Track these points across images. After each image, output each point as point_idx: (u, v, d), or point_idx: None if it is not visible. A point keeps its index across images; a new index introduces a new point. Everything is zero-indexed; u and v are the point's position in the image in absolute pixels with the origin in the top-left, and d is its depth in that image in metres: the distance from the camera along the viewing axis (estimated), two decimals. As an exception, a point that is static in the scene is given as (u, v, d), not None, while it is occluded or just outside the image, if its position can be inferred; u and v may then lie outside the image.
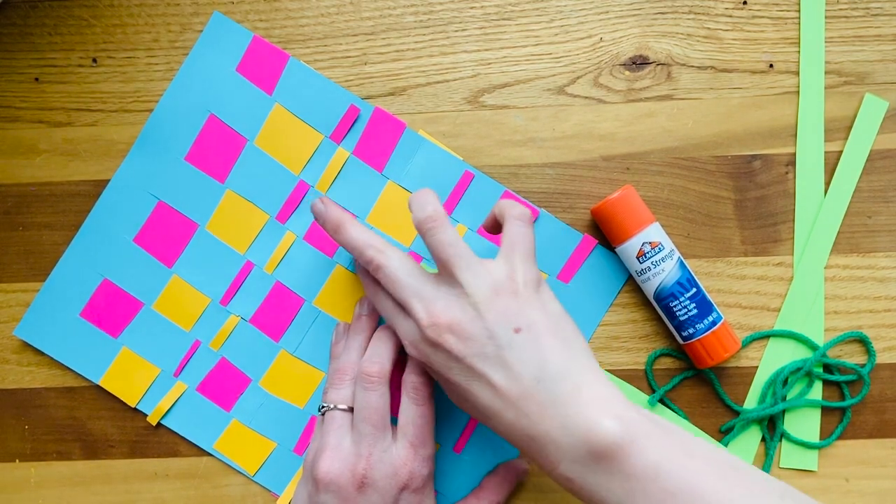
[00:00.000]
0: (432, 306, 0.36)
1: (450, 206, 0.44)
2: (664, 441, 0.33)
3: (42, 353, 0.45)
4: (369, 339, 0.41)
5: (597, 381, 0.34)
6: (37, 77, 0.45)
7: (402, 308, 0.38)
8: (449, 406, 0.44)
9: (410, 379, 0.39)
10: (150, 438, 0.45)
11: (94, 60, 0.45)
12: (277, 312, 0.44)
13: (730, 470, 0.33)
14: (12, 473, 0.45)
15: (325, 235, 0.44)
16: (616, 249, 0.43)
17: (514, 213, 0.38)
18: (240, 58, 0.44)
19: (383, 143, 0.44)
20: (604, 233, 0.43)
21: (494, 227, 0.40)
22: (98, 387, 0.45)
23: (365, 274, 0.41)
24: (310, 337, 0.44)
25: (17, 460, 0.45)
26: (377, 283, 0.39)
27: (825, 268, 0.44)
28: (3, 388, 0.45)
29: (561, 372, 0.34)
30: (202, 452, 0.44)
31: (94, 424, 0.45)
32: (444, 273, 0.36)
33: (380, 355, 0.39)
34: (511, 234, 0.37)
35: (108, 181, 0.45)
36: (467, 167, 0.44)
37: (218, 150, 0.44)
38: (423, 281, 0.37)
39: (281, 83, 0.44)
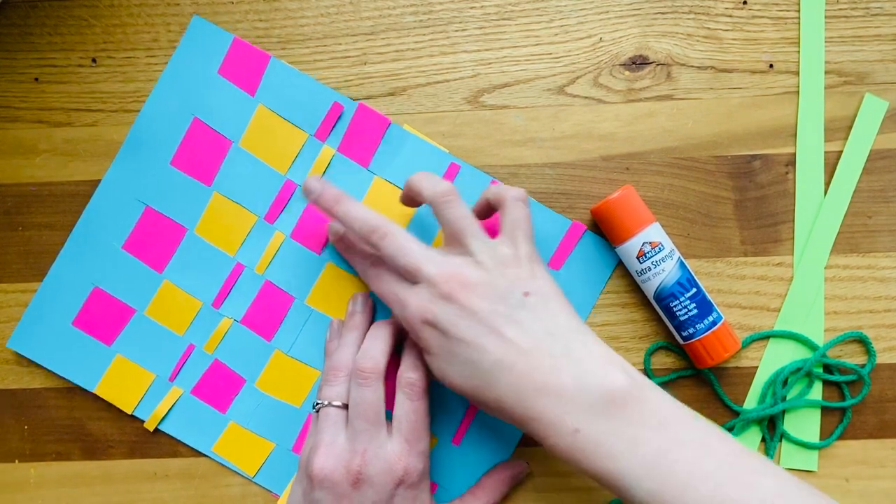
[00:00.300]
0: (445, 267, 0.37)
1: None
2: (667, 397, 0.35)
3: (42, 354, 0.45)
4: (363, 335, 0.41)
5: (600, 342, 0.36)
6: (37, 77, 0.45)
7: (408, 278, 0.38)
8: (447, 398, 0.44)
9: (406, 375, 0.39)
10: (149, 439, 0.45)
11: (94, 60, 0.45)
12: (270, 312, 0.44)
13: (723, 433, 0.35)
14: (12, 474, 0.45)
15: (313, 233, 0.44)
16: (616, 249, 0.43)
17: (513, 195, 0.39)
18: (221, 60, 0.44)
19: (368, 139, 0.44)
20: (604, 233, 0.43)
21: (486, 212, 0.41)
22: (98, 387, 0.45)
23: (362, 258, 0.41)
24: (303, 336, 0.44)
25: (17, 460, 0.45)
26: (376, 263, 0.40)
27: (825, 268, 0.44)
28: (3, 388, 0.45)
29: (570, 330, 0.36)
30: (202, 453, 0.44)
31: (94, 425, 0.45)
32: (455, 244, 0.38)
33: (374, 351, 0.39)
34: (512, 215, 0.38)
35: (107, 181, 0.45)
36: (453, 159, 0.44)
37: (203, 153, 0.44)
38: (431, 249, 0.38)
39: (263, 84, 0.44)
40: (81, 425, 0.45)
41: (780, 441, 0.43)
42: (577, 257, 0.44)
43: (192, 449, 0.44)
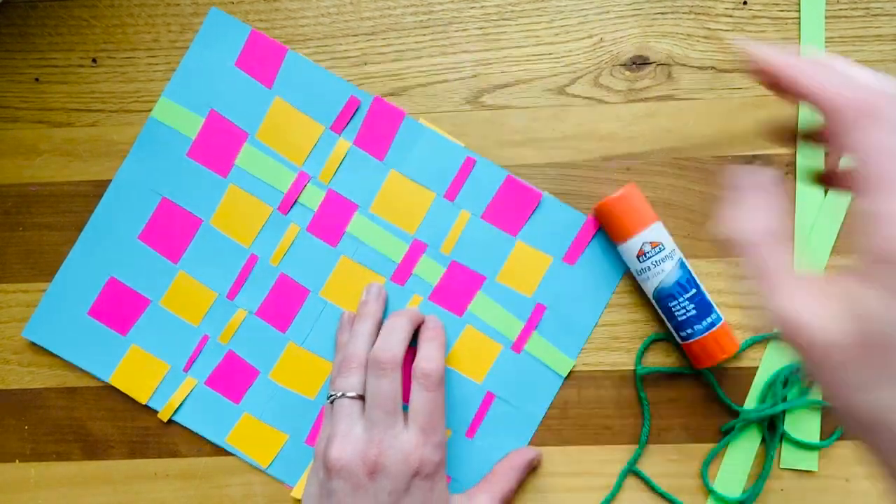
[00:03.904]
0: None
1: (452, 192, 0.44)
2: None
3: (42, 354, 0.45)
4: (377, 324, 0.42)
5: None
6: (37, 77, 0.45)
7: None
8: (460, 391, 0.44)
9: (421, 366, 0.39)
10: (150, 439, 0.45)
11: (94, 60, 0.45)
12: (284, 304, 0.44)
13: None
14: (12, 474, 0.45)
15: (329, 226, 0.44)
16: (618, 248, 0.43)
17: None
18: (238, 52, 0.44)
19: (384, 132, 0.44)
20: (606, 231, 0.43)
21: None
22: (98, 387, 0.45)
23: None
24: (317, 328, 0.44)
25: (17, 461, 0.45)
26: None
27: (825, 268, 0.44)
28: (3, 388, 0.45)
29: None
30: (202, 453, 0.44)
31: (94, 425, 0.45)
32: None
33: (392, 342, 0.39)
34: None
35: (108, 181, 0.45)
36: (469, 153, 0.44)
37: (220, 145, 0.44)
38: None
39: (280, 76, 0.44)
40: (81, 425, 0.45)
41: (781, 441, 0.43)
42: (592, 253, 0.44)
43: (193, 449, 0.44)
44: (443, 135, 0.44)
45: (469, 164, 0.44)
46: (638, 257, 0.41)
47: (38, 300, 0.45)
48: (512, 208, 0.44)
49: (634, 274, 0.42)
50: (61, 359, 0.45)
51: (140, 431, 0.45)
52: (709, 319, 0.41)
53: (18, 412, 0.45)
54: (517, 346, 0.44)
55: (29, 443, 0.45)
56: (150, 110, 0.45)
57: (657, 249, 0.41)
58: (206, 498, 0.44)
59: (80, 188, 0.45)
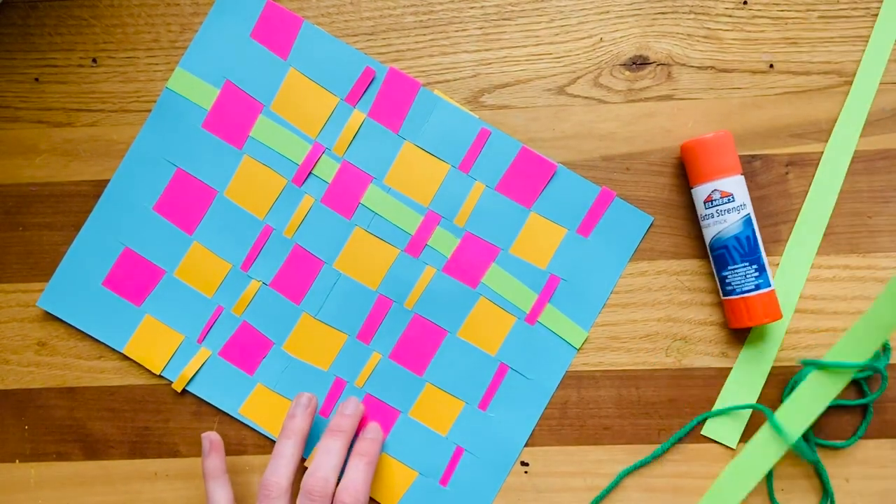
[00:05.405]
0: None
1: (467, 164, 0.44)
2: None
3: (42, 354, 0.45)
4: (302, 441, 0.41)
5: None
6: (37, 77, 0.45)
7: None
8: (474, 363, 0.44)
9: (341, 498, 0.39)
10: (150, 438, 0.45)
11: (94, 60, 0.45)
12: (298, 276, 0.44)
13: None
14: (12, 473, 0.45)
15: (343, 198, 0.44)
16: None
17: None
18: (254, 24, 0.44)
19: (399, 104, 0.44)
20: (700, 168, 0.42)
21: None
22: (98, 387, 0.45)
23: None
24: (331, 300, 0.44)
25: (17, 460, 0.45)
26: None
27: (827, 268, 0.44)
28: (3, 388, 0.45)
29: None
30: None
31: (94, 424, 0.45)
32: None
33: (325, 468, 0.39)
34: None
35: (108, 181, 0.45)
36: (483, 125, 0.44)
37: (235, 116, 0.44)
38: None
39: (295, 48, 0.44)
40: (81, 425, 0.45)
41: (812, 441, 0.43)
42: (607, 224, 0.44)
43: (193, 449, 0.44)
44: (458, 106, 0.44)
45: (484, 136, 0.44)
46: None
47: (37, 300, 0.45)
48: (526, 180, 0.44)
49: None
50: (61, 358, 0.45)
51: (140, 431, 0.45)
52: None
53: (18, 412, 0.45)
54: (531, 318, 0.44)
55: (29, 443, 0.45)
56: (149, 110, 0.45)
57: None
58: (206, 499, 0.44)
59: (79, 188, 0.45)
